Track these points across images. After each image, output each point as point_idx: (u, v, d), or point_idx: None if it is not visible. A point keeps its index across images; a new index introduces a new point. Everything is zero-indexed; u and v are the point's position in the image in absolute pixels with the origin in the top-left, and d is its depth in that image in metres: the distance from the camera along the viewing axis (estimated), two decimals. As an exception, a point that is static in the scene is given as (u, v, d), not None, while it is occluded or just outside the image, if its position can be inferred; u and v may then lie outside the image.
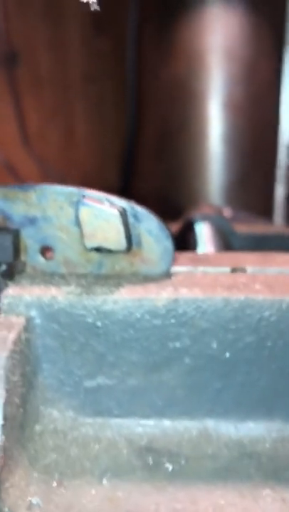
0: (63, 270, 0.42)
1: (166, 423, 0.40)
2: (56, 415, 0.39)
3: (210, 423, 0.41)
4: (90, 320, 0.38)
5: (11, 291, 0.38)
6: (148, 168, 1.64)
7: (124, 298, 0.38)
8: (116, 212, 0.39)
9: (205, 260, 0.47)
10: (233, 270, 0.46)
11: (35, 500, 0.36)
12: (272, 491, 0.38)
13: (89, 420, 0.40)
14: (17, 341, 0.35)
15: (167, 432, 0.40)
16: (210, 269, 0.45)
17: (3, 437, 0.33)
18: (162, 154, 1.56)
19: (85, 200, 0.39)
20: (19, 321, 0.36)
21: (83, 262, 0.42)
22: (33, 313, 0.37)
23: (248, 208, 1.37)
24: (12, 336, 0.35)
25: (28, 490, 0.36)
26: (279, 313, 0.39)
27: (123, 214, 0.40)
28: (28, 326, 0.37)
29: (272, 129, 1.51)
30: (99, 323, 0.38)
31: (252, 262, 0.47)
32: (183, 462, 0.39)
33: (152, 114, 1.59)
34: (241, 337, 0.39)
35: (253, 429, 0.41)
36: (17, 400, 0.35)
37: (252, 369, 0.40)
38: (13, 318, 0.36)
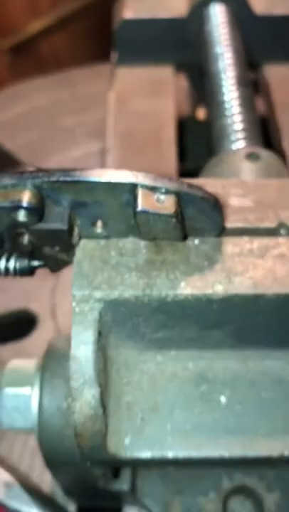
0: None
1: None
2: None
3: None
4: (154, 305, 0.43)
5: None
6: None
7: (182, 294, 0.43)
8: (172, 214, 0.40)
9: (250, 210, 0.47)
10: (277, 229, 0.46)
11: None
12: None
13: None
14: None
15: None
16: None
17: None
18: None
19: (139, 206, 0.40)
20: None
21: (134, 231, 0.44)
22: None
23: None
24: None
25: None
26: None
27: (177, 212, 0.40)
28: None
29: None
30: (161, 307, 0.43)
31: None
32: None
33: None
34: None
35: None
36: None
37: None
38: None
